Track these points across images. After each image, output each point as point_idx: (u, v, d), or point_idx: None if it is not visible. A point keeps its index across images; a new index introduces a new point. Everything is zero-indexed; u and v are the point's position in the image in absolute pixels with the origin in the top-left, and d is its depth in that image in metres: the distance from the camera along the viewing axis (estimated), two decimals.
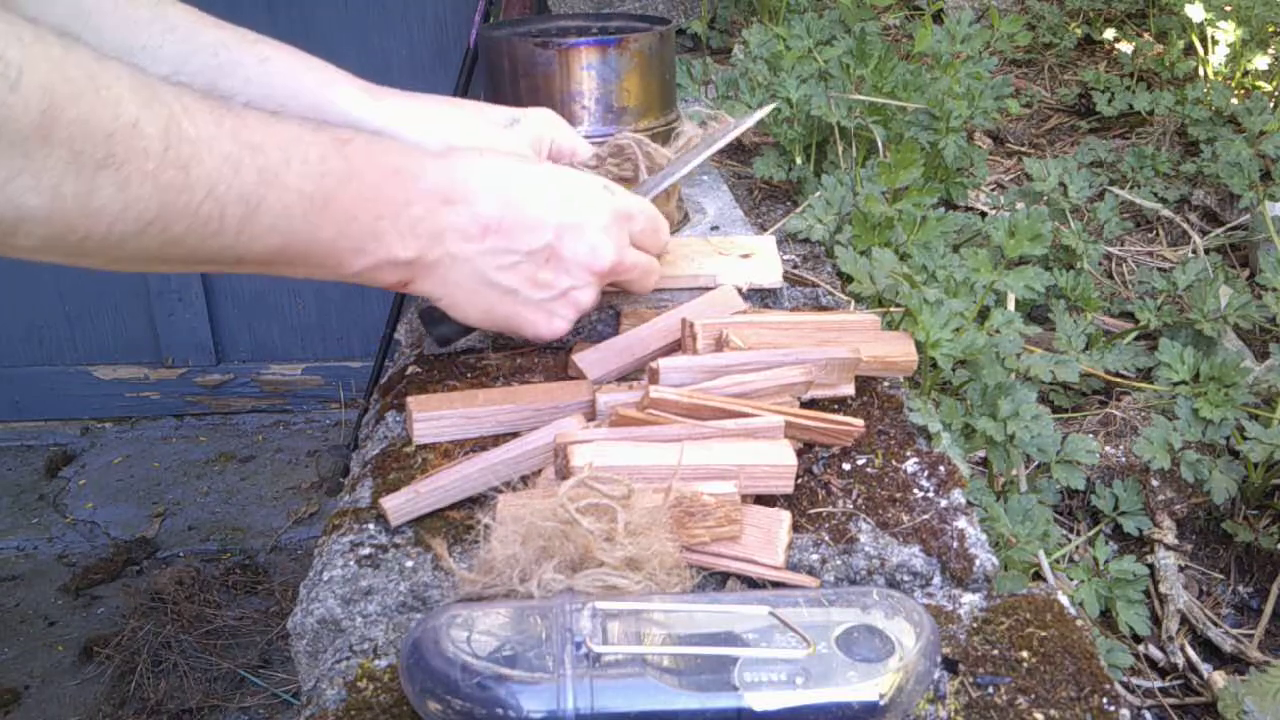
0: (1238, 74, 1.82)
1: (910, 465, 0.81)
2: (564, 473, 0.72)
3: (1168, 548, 1.03)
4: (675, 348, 0.91)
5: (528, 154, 0.93)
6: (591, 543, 0.61)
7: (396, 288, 0.79)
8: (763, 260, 1.08)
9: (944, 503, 0.77)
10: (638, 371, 0.91)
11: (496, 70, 1.15)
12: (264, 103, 0.81)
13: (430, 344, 1.00)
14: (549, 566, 0.60)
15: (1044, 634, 0.65)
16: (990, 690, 0.61)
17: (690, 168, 0.98)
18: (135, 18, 0.79)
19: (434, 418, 0.83)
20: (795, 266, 1.20)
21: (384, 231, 0.74)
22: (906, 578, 0.72)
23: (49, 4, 0.76)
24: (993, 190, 1.65)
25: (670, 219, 0.99)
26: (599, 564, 0.61)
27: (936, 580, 0.72)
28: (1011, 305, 1.21)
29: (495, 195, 0.78)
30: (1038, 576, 0.93)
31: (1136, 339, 1.27)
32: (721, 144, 0.99)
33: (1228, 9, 1.84)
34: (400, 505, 0.76)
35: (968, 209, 1.53)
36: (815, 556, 0.72)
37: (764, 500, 0.74)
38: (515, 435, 0.82)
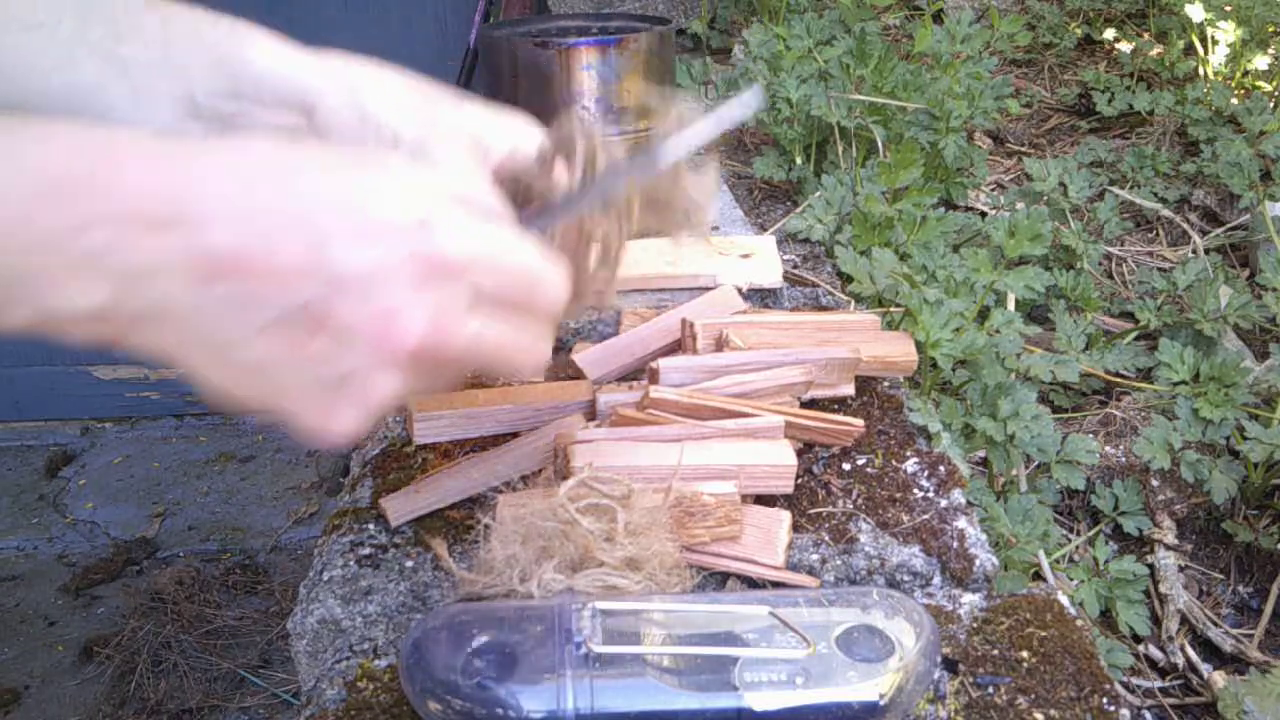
0: (1238, 74, 1.82)
1: (910, 465, 0.81)
2: (564, 473, 0.72)
3: (1168, 548, 1.03)
4: (675, 348, 0.91)
5: (464, 145, 0.67)
6: (591, 543, 0.61)
7: (105, 344, 0.54)
8: (763, 260, 1.08)
9: (944, 503, 0.77)
10: (638, 371, 0.91)
11: (496, 70, 1.15)
12: (172, 67, 0.68)
13: None
14: (549, 566, 0.60)
15: (1044, 634, 0.65)
16: (990, 690, 0.61)
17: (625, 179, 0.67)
18: None
19: (434, 418, 0.83)
20: (795, 266, 1.20)
21: (44, 270, 0.50)
22: (906, 578, 0.72)
23: None
24: (993, 190, 1.65)
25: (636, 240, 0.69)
26: (599, 564, 0.61)
27: (936, 580, 0.72)
28: (1011, 305, 1.21)
29: (237, 216, 0.51)
30: (1038, 576, 0.93)
31: (1136, 339, 1.27)
32: (678, 147, 0.69)
33: (1228, 9, 1.84)
34: (400, 505, 0.76)
35: (968, 209, 1.53)
36: (815, 556, 0.72)
37: (764, 500, 0.74)
38: (515, 435, 0.82)
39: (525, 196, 0.67)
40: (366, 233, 0.52)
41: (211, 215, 0.51)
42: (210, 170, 0.52)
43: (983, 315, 1.09)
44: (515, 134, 0.70)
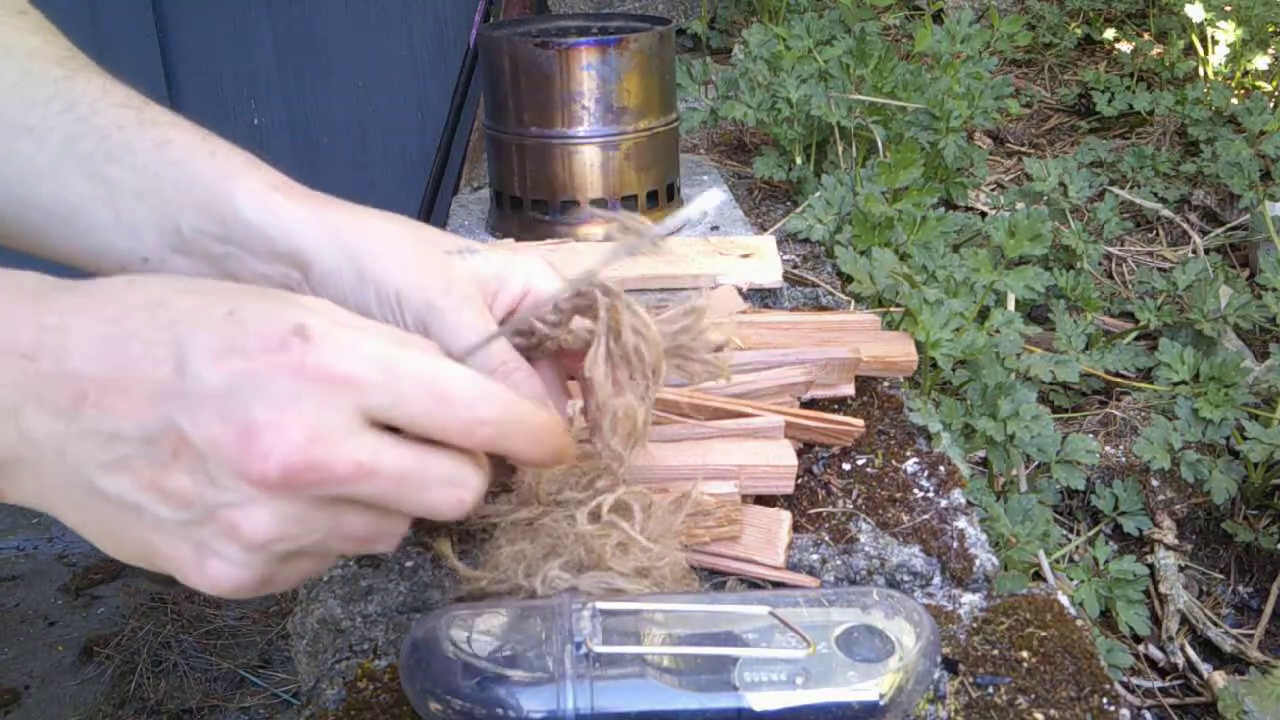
0: (1238, 74, 1.82)
1: (910, 465, 0.81)
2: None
3: (1168, 548, 1.03)
4: None
5: (470, 294, 0.62)
6: (605, 551, 0.60)
7: None
8: (763, 260, 1.08)
9: (944, 503, 0.77)
10: None
11: (496, 70, 1.15)
12: (160, 197, 0.64)
13: None
14: (555, 564, 0.60)
15: (1044, 634, 0.65)
16: (990, 690, 0.61)
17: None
18: (33, 97, 0.66)
19: None
20: (795, 266, 1.20)
21: None
22: (906, 578, 0.72)
23: None
24: (993, 190, 1.65)
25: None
26: (608, 569, 0.61)
27: (936, 580, 0.72)
28: (1011, 305, 1.21)
29: (101, 341, 0.47)
30: (1038, 576, 0.93)
31: (1136, 339, 1.27)
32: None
33: (1228, 9, 1.84)
34: None
35: (968, 209, 1.53)
36: (815, 556, 0.72)
37: (764, 500, 0.75)
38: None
39: (541, 349, 0.63)
40: (233, 346, 0.47)
41: (76, 343, 0.47)
42: (82, 302, 0.49)
43: (983, 315, 1.09)
44: (526, 276, 0.64)
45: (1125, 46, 2.02)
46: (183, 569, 0.49)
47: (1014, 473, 1.03)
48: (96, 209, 0.65)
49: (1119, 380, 1.21)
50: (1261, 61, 1.81)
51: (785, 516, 0.72)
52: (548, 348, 0.63)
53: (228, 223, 0.63)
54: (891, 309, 1.07)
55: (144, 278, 0.51)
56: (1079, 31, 2.11)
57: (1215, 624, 0.98)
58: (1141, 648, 0.97)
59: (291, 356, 0.47)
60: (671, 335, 0.62)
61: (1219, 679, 0.90)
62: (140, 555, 0.50)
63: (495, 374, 0.59)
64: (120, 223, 0.65)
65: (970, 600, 0.69)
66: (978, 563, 0.73)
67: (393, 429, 0.49)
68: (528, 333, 0.62)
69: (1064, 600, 0.69)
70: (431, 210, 2.68)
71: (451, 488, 0.50)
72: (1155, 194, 1.61)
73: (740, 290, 1.01)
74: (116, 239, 0.65)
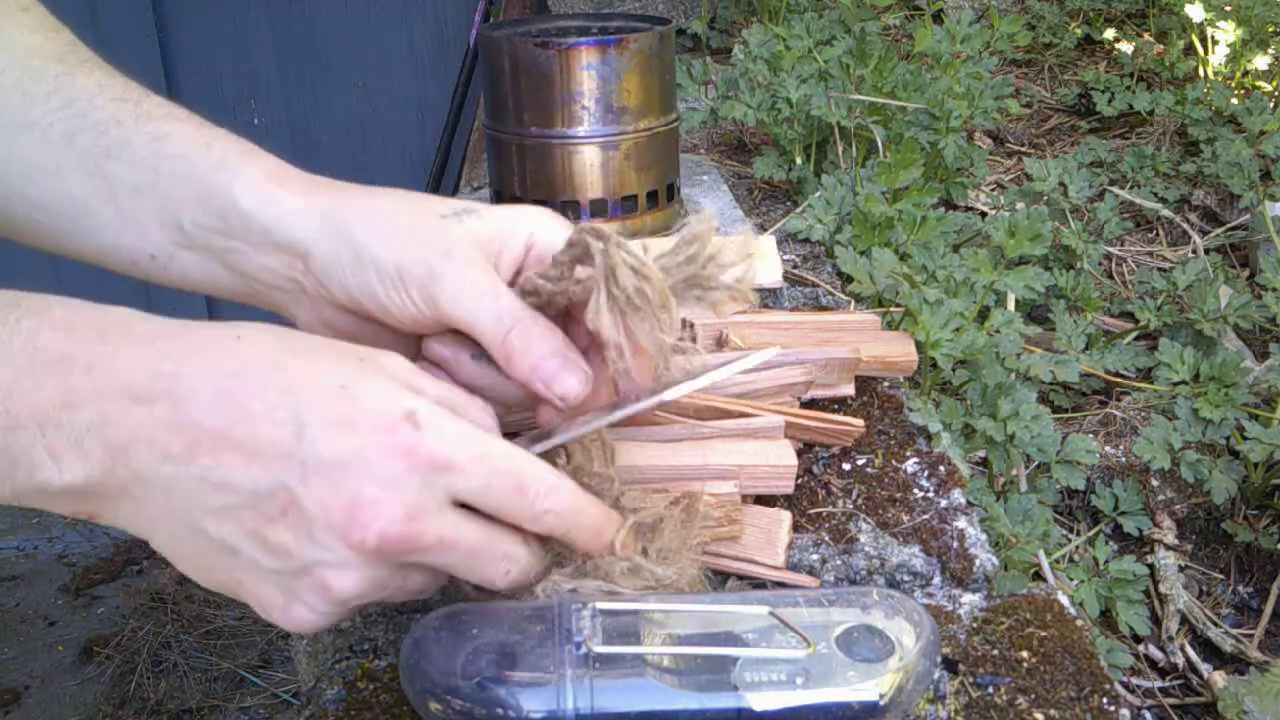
0: (1238, 74, 1.82)
1: (910, 465, 0.81)
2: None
3: (1168, 548, 1.03)
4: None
5: (471, 255, 0.61)
6: (615, 570, 0.60)
7: (83, 518, 0.54)
8: (763, 260, 1.08)
9: (944, 503, 0.77)
10: None
11: (496, 70, 1.15)
12: (160, 192, 0.64)
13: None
14: (558, 573, 0.60)
15: (1044, 634, 0.65)
16: (990, 690, 0.61)
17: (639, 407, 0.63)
18: (34, 92, 0.65)
19: None
20: (795, 266, 1.20)
21: (28, 449, 0.50)
22: (906, 578, 0.72)
23: None
24: (993, 190, 1.65)
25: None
26: (613, 583, 0.60)
27: (936, 580, 0.72)
28: (1011, 305, 1.21)
29: (220, 394, 0.50)
30: (1038, 576, 0.93)
31: (1136, 339, 1.27)
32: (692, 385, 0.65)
33: (1228, 9, 1.84)
34: None
35: (968, 209, 1.53)
36: (815, 556, 0.72)
37: (764, 500, 0.75)
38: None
39: (551, 306, 0.62)
40: (348, 421, 0.51)
41: (195, 392, 0.50)
42: (197, 352, 0.52)
43: (983, 315, 1.09)
44: (530, 229, 0.64)
45: (1125, 46, 2.02)
46: (267, 608, 0.54)
47: (1014, 473, 1.03)
48: (99, 207, 0.65)
49: (1119, 380, 1.21)
50: (1261, 61, 1.81)
51: (785, 516, 0.72)
52: (558, 304, 0.61)
53: (227, 216, 0.63)
54: (891, 309, 1.07)
55: (252, 331, 0.53)
56: (1079, 31, 2.11)
57: (1215, 624, 0.98)
58: (1141, 648, 0.97)
59: (401, 440, 0.51)
60: (677, 268, 0.60)
61: (1219, 679, 0.90)
62: (226, 588, 0.54)
63: (511, 332, 0.59)
64: (123, 220, 0.65)
65: (970, 600, 0.69)
66: (978, 563, 0.73)
67: (469, 506, 0.54)
68: (533, 292, 0.61)
69: (1064, 600, 0.69)
70: None
71: (506, 561, 0.55)
72: (1155, 194, 1.61)
73: None
74: (121, 237, 0.66)
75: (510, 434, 0.59)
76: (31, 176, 0.65)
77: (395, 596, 0.55)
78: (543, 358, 0.60)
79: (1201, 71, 1.87)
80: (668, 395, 0.63)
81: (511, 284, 0.62)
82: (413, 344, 0.64)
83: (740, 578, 0.70)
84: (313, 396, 0.51)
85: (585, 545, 0.58)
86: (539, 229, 0.64)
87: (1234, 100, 1.73)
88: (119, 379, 0.50)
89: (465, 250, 0.61)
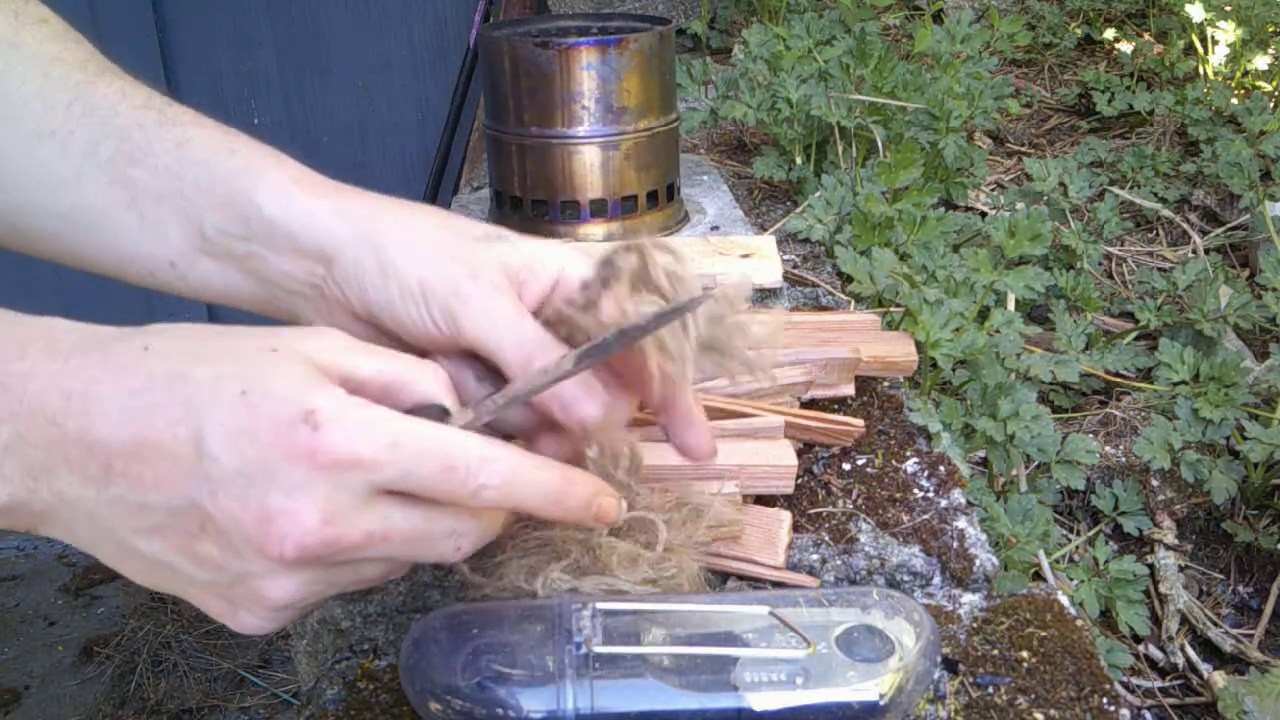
0: (1238, 74, 1.82)
1: (910, 465, 0.81)
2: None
3: (1168, 548, 1.03)
4: None
5: (498, 281, 0.60)
6: (612, 560, 0.60)
7: (18, 529, 0.54)
8: (763, 260, 1.08)
9: (944, 503, 0.77)
10: None
11: (496, 70, 1.15)
12: (182, 197, 0.64)
13: None
14: (557, 568, 0.60)
15: (1044, 634, 0.65)
16: (990, 690, 0.61)
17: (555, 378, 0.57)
18: (55, 101, 0.66)
19: None
20: (795, 266, 1.20)
21: None
22: (906, 578, 0.72)
23: None
24: (993, 190, 1.65)
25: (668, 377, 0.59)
26: (613, 576, 0.60)
27: (936, 580, 0.72)
28: (1011, 305, 1.21)
29: (125, 413, 0.49)
30: (1038, 576, 0.93)
31: (1136, 339, 1.27)
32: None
33: (1228, 9, 1.84)
34: None
35: (968, 209, 1.53)
36: (815, 556, 0.72)
37: (764, 500, 0.75)
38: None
39: (571, 338, 0.60)
40: (247, 430, 0.49)
41: (104, 413, 0.49)
42: (103, 370, 0.50)
43: (983, 315, 1.09)
44: (559, 264, 0.62)
45: (1125, 46, 2.02)
46: (216, 615, 0.54)
47: (1014, 473, 1.03)
48: (120, 213, 0.65)
49: (1119, 380, 1.21)
50: (1261, 61, 1.81)
51: (785, 516, 0.72)
52: (578, 338, 0.60)
53: (250, 221, 0.63)
54: (891, 309, 1.07)
55: (160, 341, 0.52)
56: (1079, 31, 2.11)
57: (1215, 624, 0.98)
58: (1141, 648, 0.97)
59: (301, 444, 0.48)
60: (704, 324, 0.59)
61: (1219, 679, 0.90)
62: (178, 595, 0.54)
63: (534, 359, 0.58)
64: (144, 227, 0.65)
65: (970, 600, 0.69)
66: (978, 563, 0.73)
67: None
68: (557, 322, 0.60)
69: (1064, 600, 0.69)
70: None
71: (453, 539, 0.53)
72: (1155, 194, 1.61)
73: None
74: (141, 244, 0.65)
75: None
76: (51, 186, 0.65)
77: (355, 587, 0.54)
78: (564, 385, 0.58)
79: (1201, 71, 1.87)
80: (618, 346, 0.58)
81: (535, 315, 0.60)
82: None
83: (740, 578, 0.70)
84: (212, 406, 0.49)
85: (546, 514, 0.55)
86: (569, 266, 0.62)
87: (1234, 100, 1.73)
88: (32, 401, 0.50)
89: (493, 274, 0.60)
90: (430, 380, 0.55)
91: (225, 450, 0.48)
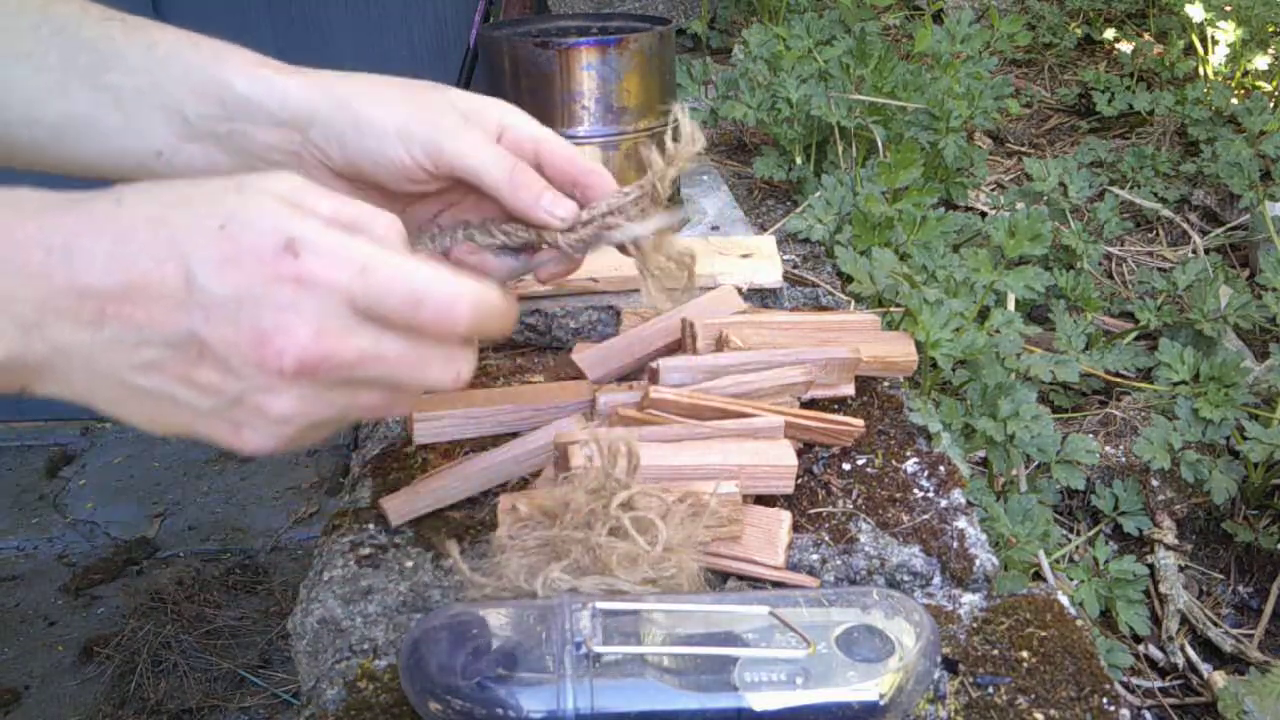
0: (1238, 74, 1.82)
1: (910, 465, 0.81)
2: (563, 466, 0.72)
3: (1168, 548, 1.03)
4: (675, 348, 0.91)
5: (463, 118, 0.70)
6: (611, 560, 0.60)
7: (16, 393, 0.56)
8: (763, 260, 1.08)
9: (944, 503, 0.77)
10: (638, 371, 0.91)
11: (496, 70, 1.15)
12: (161, 92, 0.69)
13: None
14: (557, 567, 0.60)
15: (1044, 634, 0.65)
16: (990, 690, 0.61)
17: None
18: (20, 26, 0.70)
19: (434, 418, 0.83)
20: (795, 266, 1.20)
21: None
22: (906, 578, 0.72)
23: None
24: (993, 190, 1.65)
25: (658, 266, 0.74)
26: (613, 575, 0.60)
27: (936, 580, 0.72)
28: (1011, 305, 1.21)
29: (110, 258, 0.52)
30: (1038, 576, 0.93)
31: (1136, 339, 1.27)
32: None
33: (1228, 9, 1.84)
34: (400, 505, 0.76)
35: (968, 209, 1.53)
36: (815, 556, 0.72)
37: (764, 500, 0.74)
38: (515, 435, 0.82)
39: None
40: (232, 259, 0.53)
41: (89, 260, 0.52)
42: (81, 223, 0.53)
43: (983, 315, 1.09)
44: (497, 112, 0.71)
45: (1125, 46, 2.02)
46: (221, 440, 0.57)
47: (1014, 473, 1.03)
48: (105, 114, 0.69)
49: (1119, 380, 1.21)
50: (1261, 61, 1.81)
51: (785, 516, 0.72)
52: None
53: (226, 102, 0.69)
54: (891, 309, 1.07)
55: (130, 194, 0.55)
56: (1079, 31, 2.11)
57: (1215, 624, 0.98)
58: (1141, 648, 0.97)
59: (285, 268, 0.53)
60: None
61: (1219, 679, 0.90)
62: (180, 431, 0.57)
63: (515, 170, 0.69)
64: (130, 124, 0.70)
65: (970, 600, 0.69)
66: (978, 563, 0.73)
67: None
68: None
69: (1064, 600, 0.69)
70: None
71: (449, 364, 0.57)
72: (1155, 194, 1.61)
73: (740, 290, 1.01)
74: (128, 140, 0.70)
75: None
76: (36, 100, 0.69)
77: (355, 414, 0.57)
78: (544, 188, 0.69)
79: (1201, 71, 1.87)
80: (579, 251, 0.71)
81: None
82: (401, 208, 0.71)
83: (740, 578, 0.70)
84: (195, 242, 0.53)
85: (496, 334, 0.60)
86: (509, 116, 0.72)
87: (1234, 100, 1.73)
88: (13, 259, 0.52)
89: (455, 114, 0.69)
90: (384, 225, 0.58)
91: (214, 280, 0.52)
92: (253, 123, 0.69)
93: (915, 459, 0.82)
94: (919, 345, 0.93)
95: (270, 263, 0.53)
